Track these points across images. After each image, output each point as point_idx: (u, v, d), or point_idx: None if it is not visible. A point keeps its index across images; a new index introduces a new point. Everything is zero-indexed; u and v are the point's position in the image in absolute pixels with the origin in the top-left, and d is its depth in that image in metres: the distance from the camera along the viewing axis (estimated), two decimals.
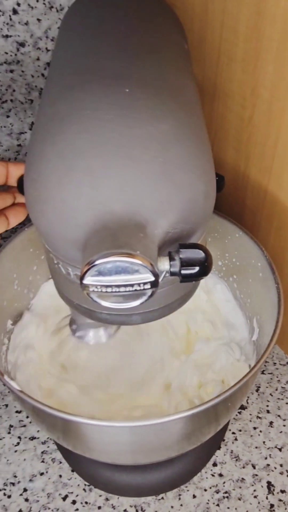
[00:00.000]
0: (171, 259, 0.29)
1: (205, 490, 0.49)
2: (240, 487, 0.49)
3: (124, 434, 0.36)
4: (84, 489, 0.49)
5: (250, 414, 0.55)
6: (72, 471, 0.50)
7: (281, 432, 0.53)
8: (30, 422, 0.54)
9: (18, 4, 0.52)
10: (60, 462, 0.51)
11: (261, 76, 0.47)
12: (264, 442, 0.53)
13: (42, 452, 0.52)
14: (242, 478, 0.50)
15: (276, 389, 0.57)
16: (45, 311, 0.55)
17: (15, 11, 0.52)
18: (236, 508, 0.48)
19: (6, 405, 0.56)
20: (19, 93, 0.57)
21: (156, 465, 0.48)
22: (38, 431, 0.54)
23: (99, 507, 0.48)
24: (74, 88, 0.32)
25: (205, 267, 0.29)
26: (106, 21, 0.40)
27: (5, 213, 0.43)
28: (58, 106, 0.32)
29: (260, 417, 0.55)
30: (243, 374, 0.37)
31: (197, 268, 0.29)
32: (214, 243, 0.53)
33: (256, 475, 0.50)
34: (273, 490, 0.49)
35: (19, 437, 0.53)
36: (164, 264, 0.29)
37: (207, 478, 0.50)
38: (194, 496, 0.49)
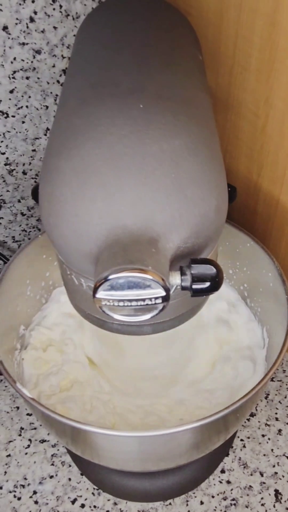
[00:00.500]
0: (183, 274, 0.30)
1: (213, 496, 0.49)
2: (247, 495, 0.49)
3: (133, 443, 0.37)
4: (93, 493, 0.50)
5: (259, 421, 0.55)
6: (81, 474, 0.51)
7: None
8: (41, 425, 0.55)
9: (35, 13, 0.52)
10: (70, 466, 0.52)
11: (275, 86, 0.47)
12: (272, 449, 0.53)
13: (52, 455, 0.53)
14: (250, 486, 0.50)
15: (285, 397, 0.57)
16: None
17: (32, 19, 0.52)
18: None
19: (18, 408, 0.57)
20: (34, 99, 0.57)
21: (164, 471, 0.49)
22: (48, 434, 0.54)
23: (107, 511, 0.48)
24: (89, 102, 0.33)
25: (216, 282, 0.30)
26: (122, 31, 0.41)
27: None
28: (74, 120, 0.33)
29: (268, 425, 0.55)
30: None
31: (208, 283, 0.29)
32: (226, 252, 0.54)
33: (264, 483, 0.50)
34: (281, 498, 0.49)
35: (30, 440, 0.54)
36: (175, 279, 0.29)
37: (214, 484, 0.50)
38: (201, 503, 0.49)
